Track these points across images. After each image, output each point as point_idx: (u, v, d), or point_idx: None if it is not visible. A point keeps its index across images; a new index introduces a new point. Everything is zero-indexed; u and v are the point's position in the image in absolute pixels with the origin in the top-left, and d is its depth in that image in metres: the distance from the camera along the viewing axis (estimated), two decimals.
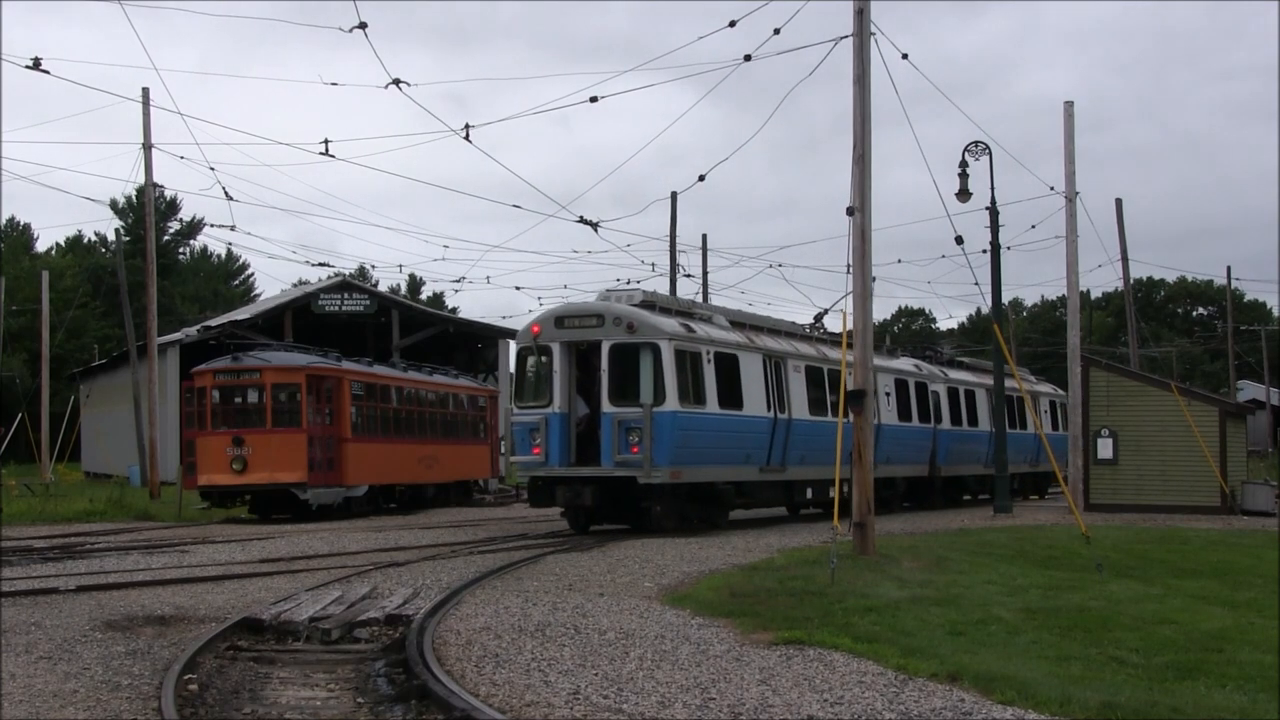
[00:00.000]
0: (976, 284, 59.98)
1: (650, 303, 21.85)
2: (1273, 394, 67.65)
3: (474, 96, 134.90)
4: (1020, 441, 35.31)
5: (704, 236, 47.13)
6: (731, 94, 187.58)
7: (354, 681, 9.05)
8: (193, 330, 51.04)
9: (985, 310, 55.08)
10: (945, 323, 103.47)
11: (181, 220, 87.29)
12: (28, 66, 23.73)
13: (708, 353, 21.65)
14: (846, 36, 17.53)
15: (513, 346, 22.42)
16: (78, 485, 44.45)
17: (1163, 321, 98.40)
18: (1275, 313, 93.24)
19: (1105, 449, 30.06)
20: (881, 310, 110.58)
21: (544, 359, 21.27)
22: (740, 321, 24.64)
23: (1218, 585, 14.95)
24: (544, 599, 12.52)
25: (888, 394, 28.60)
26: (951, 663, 9.12)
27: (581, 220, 25.17)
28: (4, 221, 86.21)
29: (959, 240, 22.79)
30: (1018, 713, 7.82)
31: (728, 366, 22.30)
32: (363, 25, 19.25)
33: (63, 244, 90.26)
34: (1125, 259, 47.75)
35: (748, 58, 20.18)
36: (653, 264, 44.49)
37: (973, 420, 33.63)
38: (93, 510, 28.38)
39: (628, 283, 29.45)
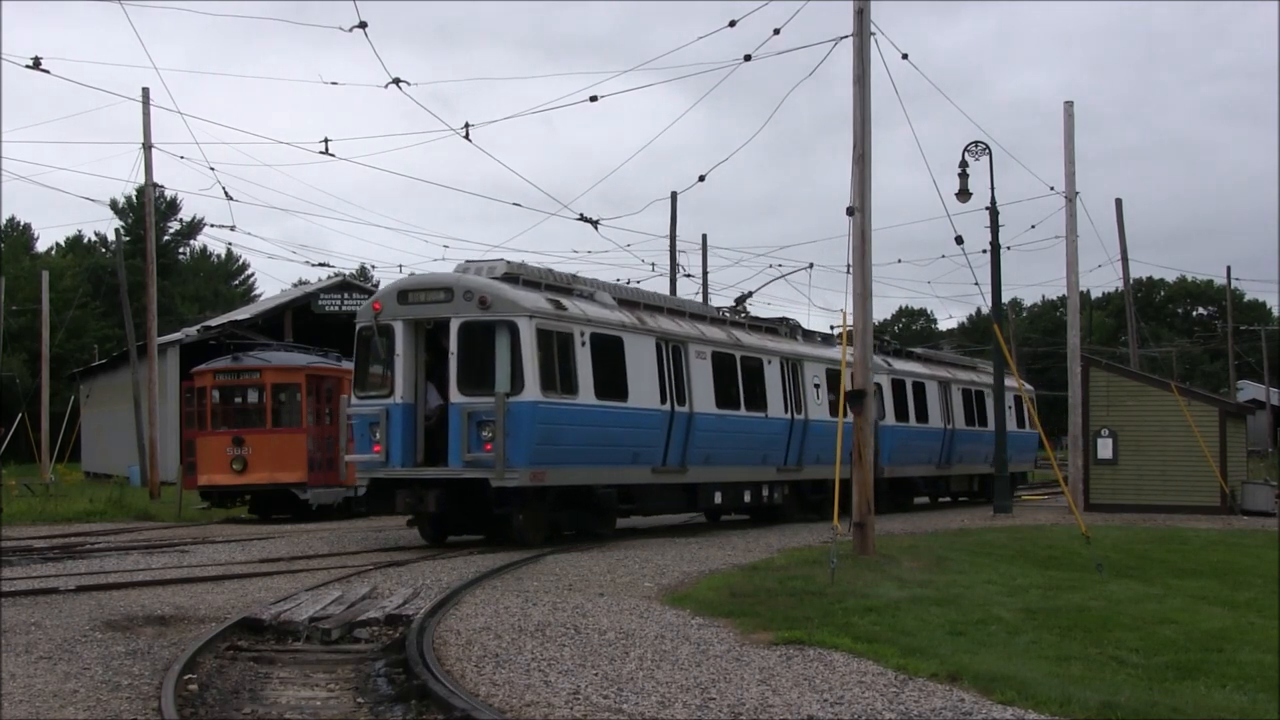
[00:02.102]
0: (976, 284, 60.02)
1: (513, 275, 18.88)
2: (1273, 394, 67.65)
3: (457, 97, 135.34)
4: (980, 439, 33.60)
5: (704, 236, 47.17)
6: (719, 95, 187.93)
7: (354, 681, 9.05)
8: (193, 330, 51.03)
9: (985, 310, 55.10)
10: (945, 323, 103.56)
11: (181, 220, 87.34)
12: (28, 66, 23.80)
13: (582, 334, 18.71)
14: (846, 36, 17.55)
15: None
16: (78, 485, 44.43)
17: (1163, 321, 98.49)
18: (1275, 313, 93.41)
19: (1105, 449, 30.05)
20: (879, 310, 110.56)
21: (385, 340, 18.44)
22: (631, 300, 21.40)
23: (1218, 585, 14.97)
24: (544, 599, 12.52)
25: (817, 385, 25.82)
26: (951, 663, 9.13)
27: (581, 218, 25.16)
28: (4, 221, 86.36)
29: (959, 240, 22.67)
30: (1018, 713, 7.82)
31: (609, 351, 19.36)
32: (363, 25, 19.27)
33: (63, 244, 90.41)
34: (1125, 259, 47.85)
35: (748, 57, 20.20)
36: (653, 264, 44.52)
37: (922, 416, 30.86)
38: (93, 510, 28.38)
39: (628, 283, 29.04)
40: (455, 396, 17.83)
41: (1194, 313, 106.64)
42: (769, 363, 24.07)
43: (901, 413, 29.73)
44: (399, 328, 18.41)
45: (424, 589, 13.22)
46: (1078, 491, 29.17)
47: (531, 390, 17.61)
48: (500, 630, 10.58)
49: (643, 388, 19.97)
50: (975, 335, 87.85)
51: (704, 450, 21.45)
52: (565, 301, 19.00)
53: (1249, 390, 70.75)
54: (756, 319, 26.35)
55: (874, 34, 17.47)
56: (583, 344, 18.71)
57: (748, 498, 23.71)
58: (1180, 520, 26.87)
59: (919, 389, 30.91)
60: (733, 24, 20.05)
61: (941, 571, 15.37)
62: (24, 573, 15.30)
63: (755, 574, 14.73)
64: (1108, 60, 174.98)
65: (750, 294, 27.73)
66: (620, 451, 19.50)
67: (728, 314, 25.40)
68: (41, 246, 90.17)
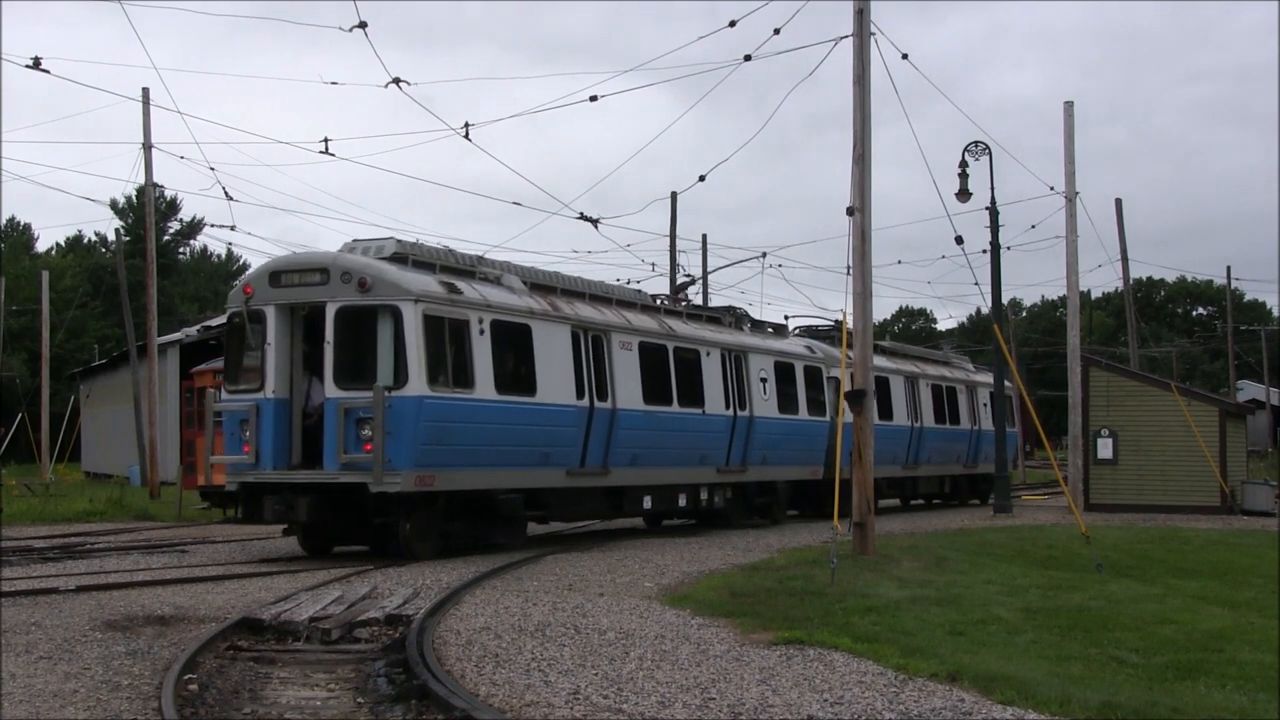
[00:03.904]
0: (976, 284, 60.06)
1: (402, 255, 16.98)
2: (1273, 394, 67.66)
3: (444, 97, 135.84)
4: (951, 438, 32.42)
5: (704, 236, 47.13)
6: (703, 95, 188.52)
7: (354, 681, 9.05)
8: (193, 330, 51.06)
9: (985, 310, 55.14)
10: (944, 323, 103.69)
11: (181, 220, 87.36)
12: (28, 66, 23.80)
13: (480, 321, 16.85)
14: (846, 36, 17.57)
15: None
16: (78, 485, 44.42)
17: (1163, 321, 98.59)
18: (1275, 313, 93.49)
19: (1105, 449, 30.07)
20: (878, 311, 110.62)
21: (257, 328, 16.62)
22: (545, 284, 19.35)
23: (1218, 585, 14.98)
24: (544, 599, 12.52)
25: (764, 380, 23.88)
26: (951, 663, 9.13)
27: (582, 217, 25.13)
28: (4, 221, 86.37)
29: (959, 240, 22.72)
30: (1018, 713, 7.82)
31: (514, 340, 17.63)
32: (363, 25, 19.27)
33: (63, 244, 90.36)
34: (1125, 259, 47.85)
35: (748, 58, 20.21)
36: (653, 264, 44.52)
37: (886, 413, 28.35)
38: (93, 510, 28.35)
39: (628, 283, 28.79)
40: (332, 390, 16.13)
41: (1194, 313, 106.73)
42: (708, 354, 22.06)
43: None
44: (271, 313, 16.62)
45: (424, 589, 13.23)
46: (1078, 491, 29.18)
47: (416, 384, 15.82)
48: (500, 630, 10.58)
49: (554, 381, 18.15)
50: (975, 335, 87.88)
51: (630, 450, 19.68)
52: (462, 285, 17.10)
53: (1249, 390, 70.77)
54: (698, 308, 24.82)
55: (873, 34, 17.51)
56: (481, 332, 16.88)
57: (683, 501, 21.91)
58: (1180, 520, 26.88)
59: (882, 384, 28.16)
60: (733, 24, 20.07)
61: (941, 571, 15.37)
62: (24, 573, 15.30)
63: (755, 574, 14.74)
64: (1094, 61, 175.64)
65: (693, 280, 26.80)
66: (527, 452, 17.71)
67: (664, 302, 23.81)
68: (41, 246, 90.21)
